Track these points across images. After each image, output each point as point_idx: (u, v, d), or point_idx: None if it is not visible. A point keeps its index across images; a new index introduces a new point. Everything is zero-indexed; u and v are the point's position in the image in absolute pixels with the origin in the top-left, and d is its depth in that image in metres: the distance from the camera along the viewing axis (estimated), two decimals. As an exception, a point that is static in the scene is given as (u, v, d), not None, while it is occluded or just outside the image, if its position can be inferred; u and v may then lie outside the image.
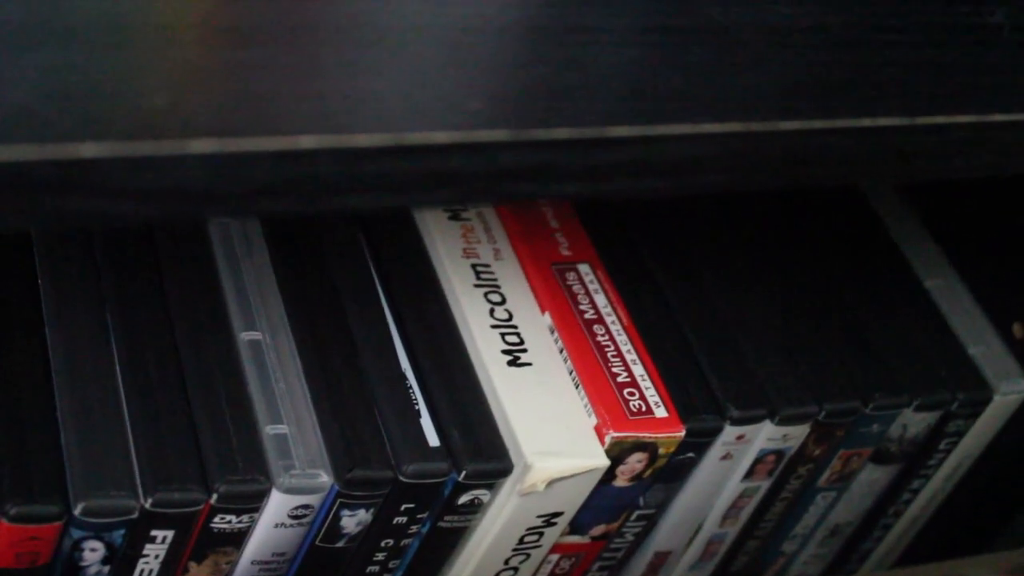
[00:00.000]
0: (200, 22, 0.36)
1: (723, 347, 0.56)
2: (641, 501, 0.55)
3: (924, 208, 0.66)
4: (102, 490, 0.45)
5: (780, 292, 0.60)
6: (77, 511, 0.45)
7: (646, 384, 0.53)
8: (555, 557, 0.56)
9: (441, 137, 0.35)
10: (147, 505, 0.46)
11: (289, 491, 0.47)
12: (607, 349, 0.54)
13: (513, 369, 0.52)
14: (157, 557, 0.47)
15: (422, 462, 0.49)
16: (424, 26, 0.38)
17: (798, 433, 0.56)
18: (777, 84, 0.40)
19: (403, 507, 0.50)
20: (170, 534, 0.47)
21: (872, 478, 0.61)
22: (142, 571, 0.48)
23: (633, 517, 0.56)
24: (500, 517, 0.51)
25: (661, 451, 0.52)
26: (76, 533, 0.45)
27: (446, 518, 0.51)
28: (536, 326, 0.54)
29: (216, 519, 0.47)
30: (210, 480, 0.46)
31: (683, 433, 0.52)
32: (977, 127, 0.42)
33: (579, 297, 0.55)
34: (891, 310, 0.61)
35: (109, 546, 0.46)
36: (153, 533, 0.46)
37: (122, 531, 0.46)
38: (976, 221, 0.66)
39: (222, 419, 0.48)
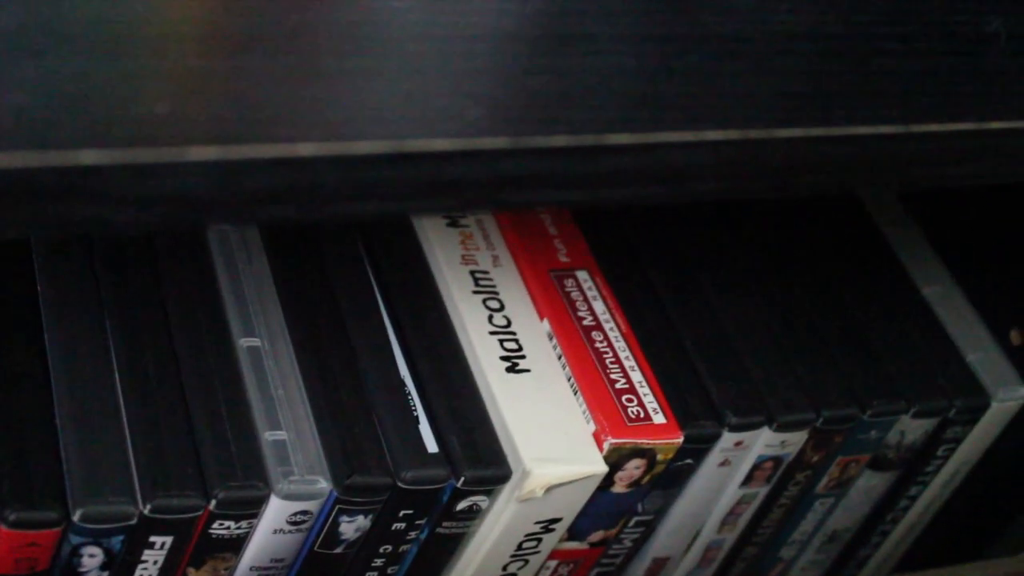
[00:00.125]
0: (200, 29, 0.36)
1: (721, 353, 0.56)
2: (639, 507, 0.55)
3: (922, 215, 0.66)
4: (101, 496, 0.45)
5: (778, 299, 0.60)
6: (76, 517, 0.45)
7: (644, 391, 0.53)
8: (553, 563, 0.56)
9: (441, 144, 0.35)
10: (146, 511, 0.46)
11: (288, 497, 0.47)
12: (605, 355, 0.54)
13: (511, 375, 0.52)
14: (156, 563, 0.47)
15: (421, 468, 0.49)
16: (424, 34, 0.38)
17: (796, 439, 0.56)
18: (775, 92, 0.40)
19: (402, 513, 0.50)
20: (169, 540, 0.47)
21: (870, 484, 0.62)
22: (141, 577, 0.48)
23: (631, 523, 0.56)
24: (498, 523, 0.51)
25: (659, 457, 0.52)
26: (75, 539, 0.45)
27: (445, 524, 0.51)
28: (534, 332, 0.54)
29: (215, 525, 0.47)
30: (209, 486, 0.47)
31: (681, 439, 0.52)
32: (975, 135, 0.42)
33: (577, 304, 0.55)
34: (889, 317, 0.61)
35: (108, 552, 0.46)
36: (152, 539, 0.47)
37: (121, 537, 0.46)
38: (974, 228, 0.67)
39: (221, 425, 0.48)
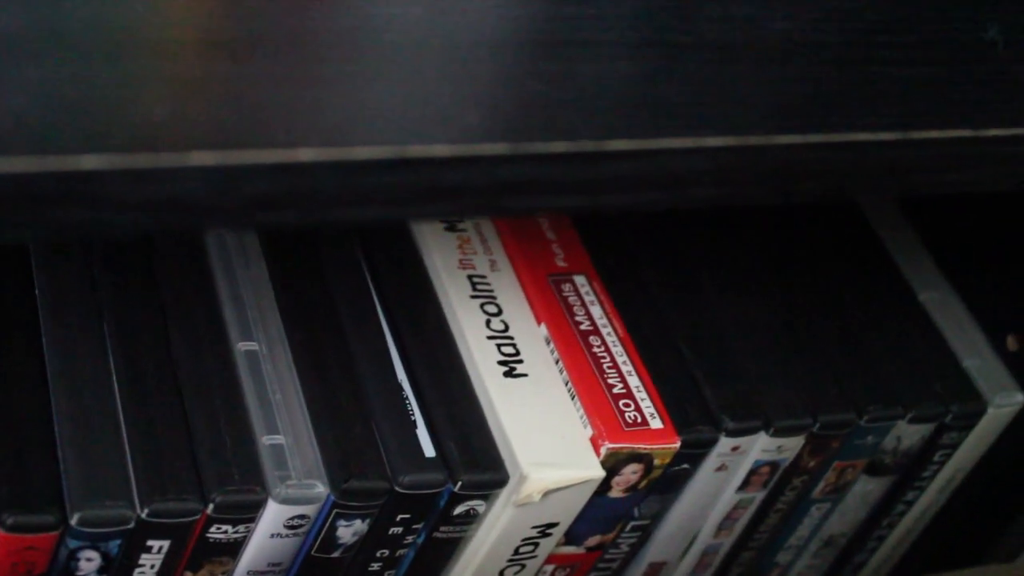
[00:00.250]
0: (200, 35, 0.36)
1: (718, 358, 0.56)
2: (636, 512, 0.55)
3: (919, 221, 0.66)
4: (98, 500, 0.45)
5: (775, 303, 0.60)
6: (73, 521, 0.45)
7: (641, 395, 0.53)
8: (550, 568, 0.56)
9: (440, 150, 0.35)
10: (143, 515, 0.46)
11: (285, 501, 0.47)
12: (603, 360, 0.54)
13: (509, 380, 0.52)
14: (153, 567, 0.47)
15: (418, 473, 0.49)
16: (423, 40, 0.38)
17: (793, 445, 0.56)
18: (773, 98, 0.41)
19: (399, 517, 0.50)
20: (166, 544, 0.47)
21: (866, 490, 0.62)
22: (138, 581, 0.48)
23: (628, 528, 0.56)
24: (495, 528, 0.52)
25: (656, 462, 0.52)
26: (72, 543, 0.45)
27: (442, 528, 0.51)
28: (532, 337, 0.54)
29: (212, 529, 0.47)
30: (206, 490, 0.47)
31: (678, 444, 0.52)
32: (972, 142, 0.42)
33: (575, 308, 0.55)
34: (886, 322, 0.61)
35: (105, 556, 0.46)
36: (149, 543, 0.47)
37: (118, 541, 0.46)
38: (970, 234, 0.67)
39: (218, 429, 0.48)
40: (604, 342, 0.54)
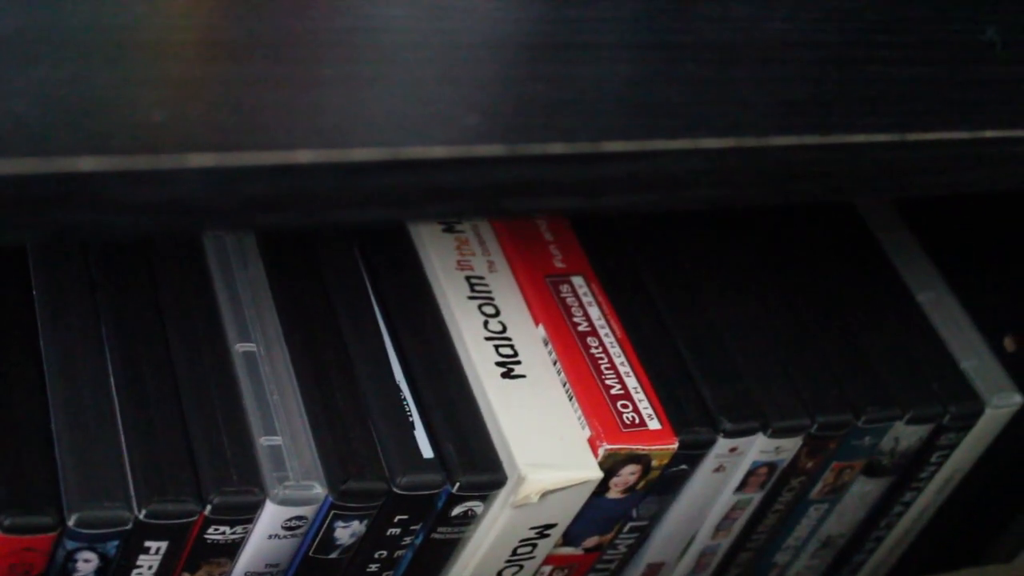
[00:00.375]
0: (198, 37, 0.36)
1: (716, 359, 0.56)
2: (634, 513, 0.55)
3: (916, 222, 0.66)
4: (96, 501, 0.45)
5: (773, 305, 0.60)
6: (71, 522, 0.45)
7: (639, 396, 0.53)
8: (548, 569, 0.56)
9: (437, 152, 0.35)
10: (141, 516, 0.46)
11: (283, 502, 0.47)
12: (600, 361, 0.54)
13: (507, 381, 0.52)
14: (150, 568, 0.47)
15: (416, 474, 0.49)
16: (420, 41, 0.38)
17: (791, 446, 0.56)
18: (771, 100, 0.41)
19: (397, 518, 0.50)
20: (164, 545, 0.47)
21: (864, 490, 0.62)
22: (136, 582, 0.48)
23: (626, 529, 0.56)
24: (493, 529, 0.52)
25: (654, 463, 0.52)
26: (70, 544, 0.45)
27: (440, 529, 0.51)
28: (530, 338, 0.54)
29: (210, 530, 0.47)
30: (204, 491, 0.47)
31: (676, 445, 0.52)
32: (969, 143, 0.42)
33: (573, 309, 0.55)
34: (883, 323, 0.61)
35: (103, 557, 0.46)
36: (147, 544, 0.47)
37: (116, 542, 0.46)
38: (968, 235, 0.67)
39: (216, 430, 0.48)
40: (602, 343, 0.54)
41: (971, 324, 0.63)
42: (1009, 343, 0.63)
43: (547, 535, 0.53)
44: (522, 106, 0.37)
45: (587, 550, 0.56)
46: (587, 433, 0.52)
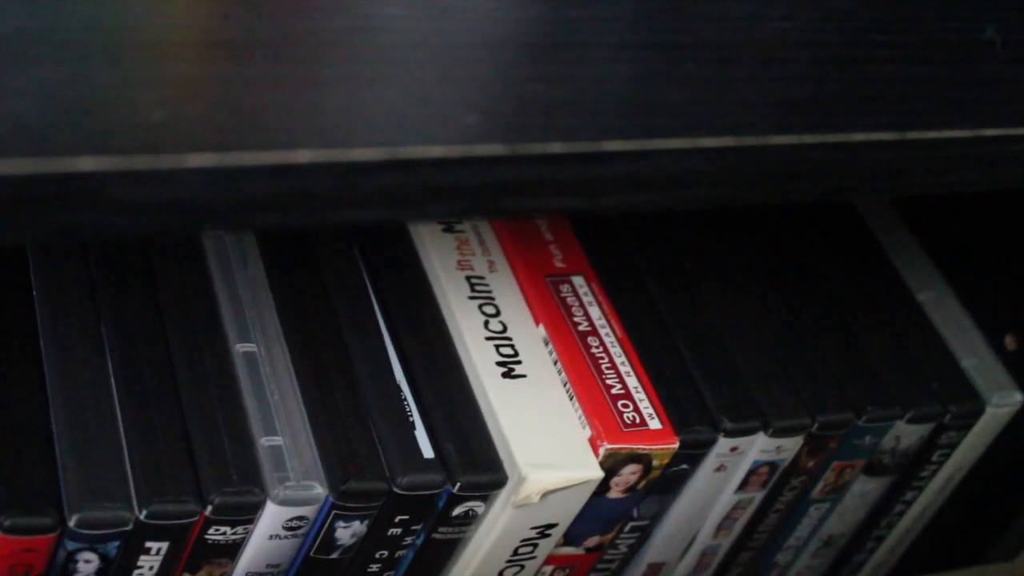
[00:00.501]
0: (198, 37, 0.36)
1: (717, 359, 0.56)
2: (635, 513, 0.55)
3: (916, 221, 0.66)
4: (97, 501, 0.45)
5: (773, 304, 0.60)
6: (72, 523, 0.45)
7: (640, 396, 0.53)
8: (549, 569, 0.56)
9: (437, 152, 0.35)
10: (142, 517, 0.46)
11: (284, 503, 0.47)
12: (601, 361, 0.54)
13: (507, 381, 0.52)
14: (151, 568, 0.47)
15: (416, 474, 0.49)
16: (420, 41, 0.38)
17: (791, 445, 0.56)
18: (770, 99, 0.41)
19: (397, 519, 0.50)
20: (164, 546, 0.47)
21: (865, 490, 0.62)
22: (137, 582, 0.48)
23: (627, 529, 0.56)
24: (494, 529, 0.52)
25: (655, 463, 0.52)
26: (70, 544, 0.45)
27: (440, 530, 0.51)
28: (530, 338, 0.54)
29: (211, 531, 0.47)
30: (205, 492, 0.47)
31: (677, 445, 0.52)
32: (969, 142, 0.42)
33: (573, 309, 0.55)
34: (883, 322, 0.61)
35: (103, 557, 0.46)
36: (147, 544, 0.47)
37: (116, 542, 0.46)
38: (968, 234, 0.67)
39: (217, 431, 0.48)
40: (602, 343, 0.54)
41: (971, 323, 0.63)
42: (1009, 342, 0.63)
43: (548, 535, 0.53)
44: (522, 106, 0.37)
45: (588, 550, 0.56)
46: (588, 433, 0.52)
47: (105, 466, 0.46)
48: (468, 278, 0.55)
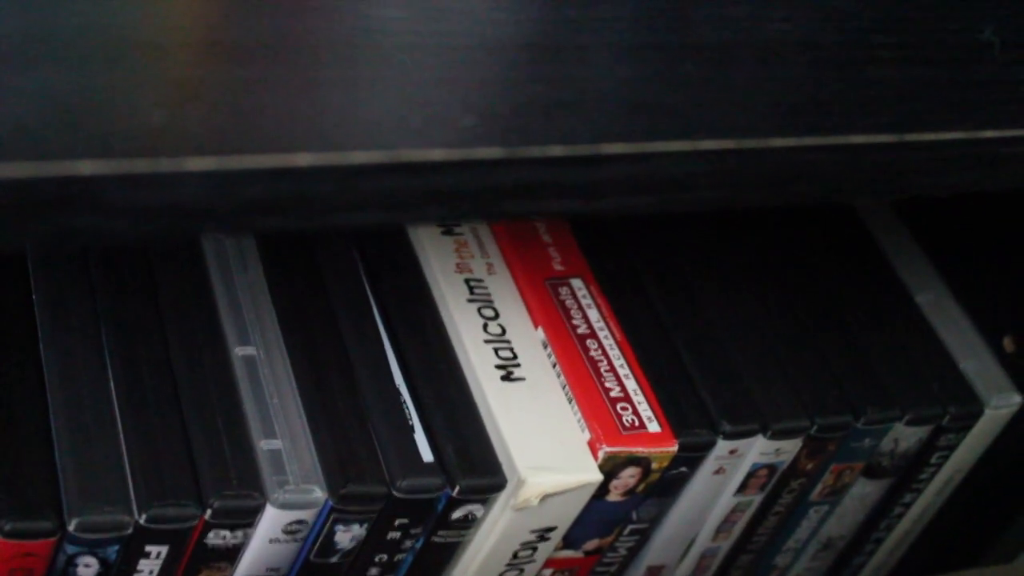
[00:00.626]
0: (198, 40, 0.36)
1: (716, 361, 0.56)
2: (634, 515, 0.55)
3: (915, 223, 0.66)
4: (96, 506, 0.45)
5: (772, 306, 0.60)
6: (71, 527, 0.45)
7: (639, 399, 0.53)
8: (549, 572, 0.56)
9: (436, 154, 0.35)
10: (141, 521, 0.46)
11: (283, 506, 0.47)
12: (600, 364, 0.54)
13: (506, 384, 0.52)
14: (151, 572, 0.47)
15: (416, 477, 0.49)
16: (420, 44, 0.38)
17: (790, 447, 0.56)
18: (769, 101, 0.41)
19: (397, 522, 0.50)
20: (164, 549, 0.47)
21: (864, 492, 0.62)
22: (136, 586, 0.48)
23: (626, 531, 0.56)
24: (494, 532, 0.52)
25: (654, 466, 0.52)
26: (70, 549, 0.45)
27: (440, 533, 0.51)
28: (529, 341, 0.54)
29: (210, 535, 0.47)
30: (204, 495, 0.46)
31: (676, 448, 0.52)
32: (968, 143, 0.42)
33: (572, 312, 0.55)
34: (882, 325, 0.61)
35: (103, 561, 0.46)
36: (147, 548, 0.46)
37: (116, 547, 0.46)
38: (967, 236, 0.67)
39: (216, 435, 0.48)
40: (601, 346, 0.54)
41: (970, 325, 0.63)
42: (1008, 344, 0.63)
43: (547, 538, 0.53)
44: (521, 108, 0.37)
45: (587, 553, 0.56)
46: (587, 436, 0.52)
47: (105, 470, 0.46)
48: (467, 281, 0.55)
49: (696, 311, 0.58)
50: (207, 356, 0.50)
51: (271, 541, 0.48)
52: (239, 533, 0.47)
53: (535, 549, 0.53)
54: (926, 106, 0.42)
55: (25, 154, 0.31)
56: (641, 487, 0.53)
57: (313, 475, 0.48)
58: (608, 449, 0.51)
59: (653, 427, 0.52)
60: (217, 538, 0.47)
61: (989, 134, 0.42)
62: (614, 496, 0.53)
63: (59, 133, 0.32)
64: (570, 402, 0.53)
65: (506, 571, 0.54)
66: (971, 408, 0.60)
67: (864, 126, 0.41)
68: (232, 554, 0.48)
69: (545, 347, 0.54)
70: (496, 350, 0.53)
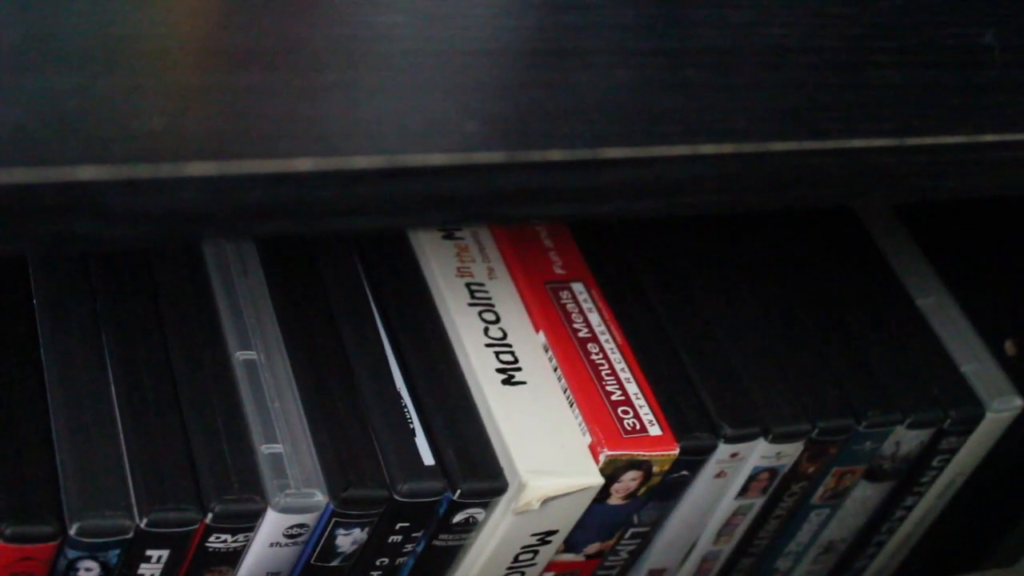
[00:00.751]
0: (198, 45, 0.36)
1: (716, 365, 0.56)
2: (635, 519, 0.55)
3: (916, 226, 0.66)
4: (97, 510, 0.45)
5: (773, 310, 0.60)
6: (72, 531, 0.45)
7: (640, 402, 0.53)
8: (550, 575, 0.56)
9: (437, 159, 0.35)
10: (142, 525, 0.46)
11: (284, 510, 0.47)
12: (601, 367, 0.54)
13: (507, 388, 0.52)
14: (152, 576, 0.47)
15: (417, 481, 0.49)
16: (420, 48, 0.38)
17: (792, 451, 0.56)
18: (770, 105, 0.41)
19: (398, 526, 0.50)
20: (165, 553, 0.47)
21: (865, 495, 0.62)
22: (137, 591, 0.48)
23: (627, 535, 0.56)
24: (495, 535, 0.52)
25: (655, 469, 0.52)
26: (71, 553, 0.45)
27: (441, 537, 0.51)
28: (530, 345, 0.54)
29: (211, 538, 0.47)
30: (205, 499, 0.47)
31: (677, 451, 0.52)
32: (968, 147, 0.42)
33: (573, 316, 0.55)
34: (883, 328, 0.61)
35: (104, 566, 0.46)
36: (148, 553, 0.47)
37: (117, 551, 0.46)
38: (968, 239, 0.67)
39: (217, 439, 0.48)
40: (602, 349, 0.54)
41: (971, 328, 0.63)
42: (1010, 347, 0.63)
43: (548, 542, 0.53)
44: (521, 113, 0.37)
45: (588, 556, 0.56)
46: (588, 439, 0.52)
47: (105, 474, 0.46)
48: (468, 285, 0.55)
49: (697, 314, 0.58)
50: (207, 360, 0.50)
51: (272, 545, 0.48)
52: (240, 537, 0.47)
53: (536, 553, 0.53)
54: (926, 110, 0.42)
55: (25, 159, 0.31)
56: (642, 490, 0.53)
57: (314, 479, 0.48)
58: (609, 453, 0.51)
59: (654, 431, 0.52)
60: (218, 542, 0.47)
61: (989, 138, 0.42)
62: (615, 499, 0.53)
63: (59, 138, 0.32)
64: (571, 405, 0.53)
65: (507, 575, 0.54)
66: (972, 411, 0.60)
67: (865, 130, 0.40)
68: (233, 558, 0.48)
69: (546, 351, 0.54)
70: (497, 354, 0.53)
